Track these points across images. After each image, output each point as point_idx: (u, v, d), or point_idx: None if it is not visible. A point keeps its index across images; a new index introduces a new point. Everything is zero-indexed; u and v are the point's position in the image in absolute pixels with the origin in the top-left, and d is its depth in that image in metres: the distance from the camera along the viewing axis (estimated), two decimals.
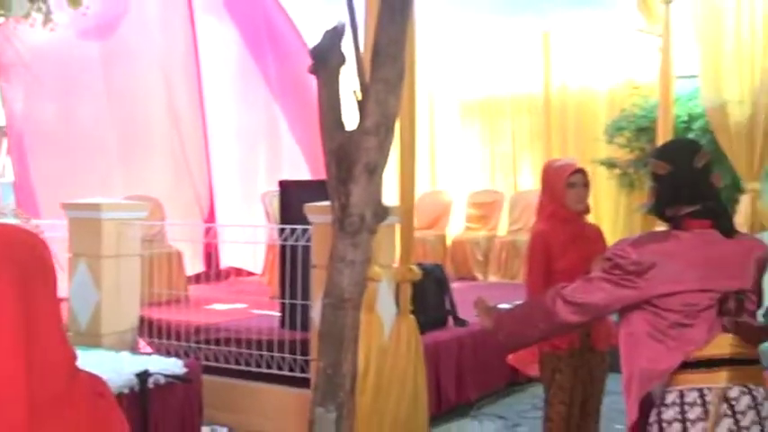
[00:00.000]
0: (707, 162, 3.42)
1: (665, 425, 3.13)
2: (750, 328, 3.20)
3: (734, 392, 3.07)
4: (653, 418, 3.16)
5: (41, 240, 1.90)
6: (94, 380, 1.93)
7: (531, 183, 11.63)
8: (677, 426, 3.09)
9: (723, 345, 3.12)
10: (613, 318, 4.38)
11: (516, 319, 3.79)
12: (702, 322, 3.11)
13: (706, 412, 3.06)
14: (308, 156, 11.46)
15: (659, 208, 3.43)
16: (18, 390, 1.72)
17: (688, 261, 3.18)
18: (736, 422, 3.06)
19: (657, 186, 3.45)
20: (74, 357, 1.88)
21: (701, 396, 3.08)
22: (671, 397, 3.12)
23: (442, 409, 7.08)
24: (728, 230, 3.27)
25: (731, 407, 3.06)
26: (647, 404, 3.20)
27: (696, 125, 9.61)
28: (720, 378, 3.10)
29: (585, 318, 3.49)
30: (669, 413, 3.12)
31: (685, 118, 9.72)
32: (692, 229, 3.27)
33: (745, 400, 3.08)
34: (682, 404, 3.09)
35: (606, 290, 3.29)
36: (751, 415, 3.07)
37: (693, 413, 3.08)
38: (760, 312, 3.34)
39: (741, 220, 9.05)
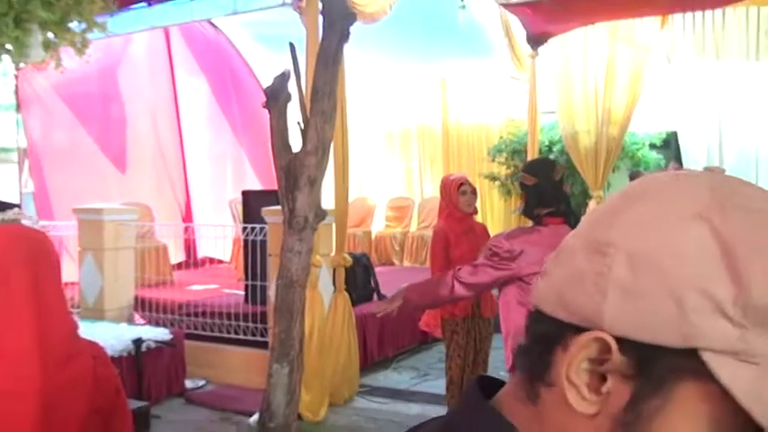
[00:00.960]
0: (562, 175, 3.62)
1: None
2: None
3: None
4: None
5: (47, 236, 1.92)
6: (92, 345, 1.93)
7: (434, 191, 11.69)
8: None
9: None
10: (495, 292, 4.58)
11: (425, 289, 4.00)
12: None
13: None
14: (259, 172, 11.43)
15: (527, 209, 3.62)
16: (31, 351, 1.72)
17: (546, 248, 3.14)
18: None
19: (525, 193, 3.67)
20: (75, 326, 1.87)
21: None
22: None
23: (369, 362, 7.09)
24: (575, 225, 3.30)
25: None
26: None
27: (556, 148, 9.76)
28: None
29: (474, 292, 3.78)
30: None
31: (547, 143, 9.86)
32: (549, 225, 3.47)
33: None
34: None
35: (488, 273, 3.48)
36: None
37: None
38: None
39: None
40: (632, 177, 7.07)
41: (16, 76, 8.56)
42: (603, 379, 0.59)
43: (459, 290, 3.55)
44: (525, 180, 3.69)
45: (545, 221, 3.51)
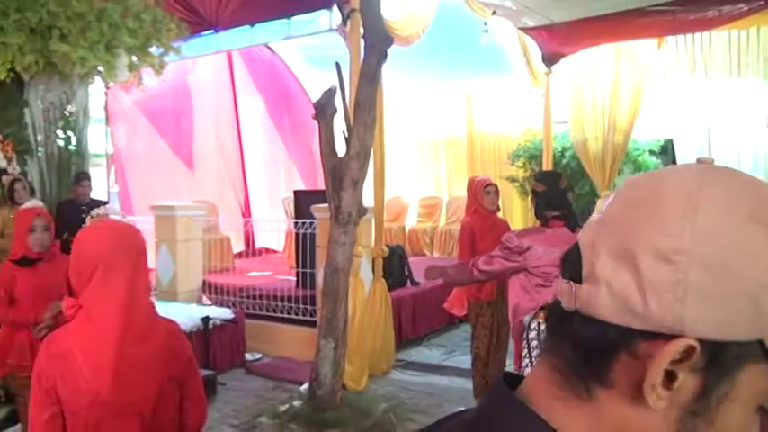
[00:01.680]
0: (566, 185, 3.82)
1: (530, 340, 3.44)
2: None
3: None
4: (525, 336, 3.48)
5: (138, 231, 1.94)
6: (168, 322, 1.97)
7: (460, 191, 11.66)
8: (534, 342, 3.41)
9: None
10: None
11: (454, 273, 4.20)
12: (554, 284, 3.40)
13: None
14: (305, 174, 11.50)
15: (537, 212, 3.82)
16: (114, 326, 1.78)
17: (548, 246, 3.55)
18: None
19: (536, 198, 3.85)
20: (153, 308, 1.91)
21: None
22: (533, 325, 3.44)
23: (403, 340, 7.09)
24: (574, 227, 3.63)
25: None
26: (523, 329, 3.56)
27: (568, 154, 9.67)
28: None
29: (488, 278, 4.00)
30: (532, 334, 3.45)
31: (560, 149, 9.78)
32: (553, 227, 3.68)
33: None
34: (538, 329, 3.41)
35: (500, 263, 3.70)
36: None
37: (543, 335, 3.30)
38: None
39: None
40: None
41: (106, 94, 8.69)
42: (674, 375, 0.57)
43: (476, 274, 3.80)
44: (536, 187, 3.88)
45: (550, 223, 3.71)
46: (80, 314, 1.81)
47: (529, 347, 3.49)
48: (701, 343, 0.56)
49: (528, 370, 3.21)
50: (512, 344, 5.25)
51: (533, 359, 3.46)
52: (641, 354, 0.58)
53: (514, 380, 0.69)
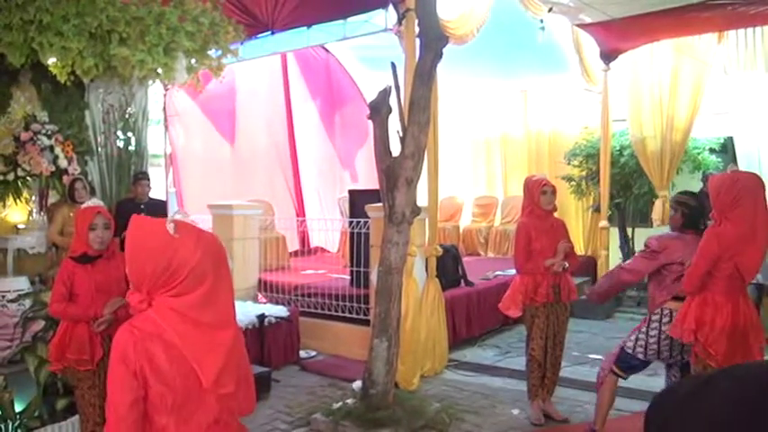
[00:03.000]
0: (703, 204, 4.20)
1: (651, 323, 4.10)
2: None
3: None
4: (647, 320, 4.15)
5: (218, 238, 2.12)
6: None
7: (515, 191, 11.54)
8: (655, 324, 4.07)
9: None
10: (575, 280, 4.76)
11: (603, 284, 4.70)
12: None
13: (671, 320, 3.92)
14: (358, 173, 11.58)
15: (688, 222, 4.20)
16: (231, 310, 2.03)
17: (681, 248, 4.05)
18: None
19: (687, 211, 4.19)
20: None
21: (670, 312, 3.99)
22: (657, 311, 4.10)
23: (457, 341, 7.03)
24: (700, 233, 3.88)
25: None
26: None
27: (626, 152, 9.47)
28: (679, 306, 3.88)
29: (636, 278, 4.41)
30: (654, 317, 4.10)
31: (618, 148, 9.58)
32: (686, 232, 4.16)
33: None
34: (661, 314, 4.07)
35: (644, 262, 4.24)
36: None
37: (665, 320, 4.02)
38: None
39: (656, 215, 8.95)
40: (706, 179, 6.95)
41: (164, 95, 8.86)
42: None
43: (626, 276, 4.42)
44: (688, 201, 4.23)
45: (685, 231, 4.18)
46: (162, 308, 1.88)
47: (648, 328, 4.09)
48: None
49: (639, 347, 4.10)
50: (568, 344, 5.17)
51: (651, 338, 4.07)
52: None
53: None
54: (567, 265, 4.99)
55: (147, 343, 1.85)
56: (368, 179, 11.00)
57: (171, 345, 1.85)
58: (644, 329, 4.12)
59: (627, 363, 4.23)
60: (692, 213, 4.18)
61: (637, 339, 4.15)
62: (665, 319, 4.01)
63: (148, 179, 7.38)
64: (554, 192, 5.13)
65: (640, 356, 4.15)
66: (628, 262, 4.43)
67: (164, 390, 1.84)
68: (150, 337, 1.85)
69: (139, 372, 1.83)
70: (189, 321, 1.87)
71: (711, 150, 9.26)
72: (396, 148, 4.94)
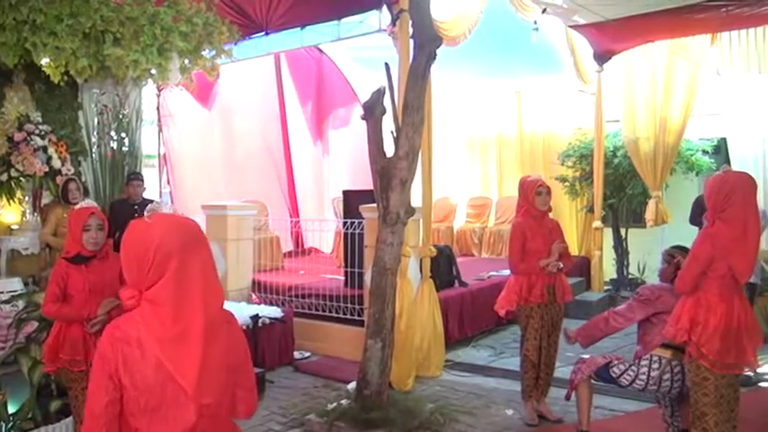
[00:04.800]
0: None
1: (641, 367, 4.18)
2: None
3: (674, 363, 4.10)
4: (637, 362, 4.21)
5: (198, 224, 2.00)
6: (227, 313, 1.99)
7: (510, 191, 11.56)
8: (644, 369, 4.15)
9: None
10: (569, 281, 5.03)
11: (592, 329, 4.54)
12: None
13: (659, 367, 4.10)
14: (352, 173, 11.52)
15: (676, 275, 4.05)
16: (198, 311, 1.85)
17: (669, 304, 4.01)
18: (671, 376, 4.09)
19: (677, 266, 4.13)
20: (223, 296, 1.97)
21: (659, 359, 4.12)
22: (646, 356, 4.19)
23: (451, 341, 7.02)
24: None
25: (671, 369, 4.10)
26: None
27: (619, 153, 9.50)
28: (668, 354, 4.10)
29: (627, 324, 4.36)
30: (644, 362, 4.18)
31: (612, 148, 9.60)
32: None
33: (678, 368, 4.08)
34: (650, 360, 4.16)
35: (638, 308, 4.28)
36: (678, 375, 4.08)
37: (654, 365, 4.13)
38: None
39: (650, 216, 8.97)
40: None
41: (158, 96, 8.84)
42: None
43: (615, 322, 4.38)
44: (683, 256, 4.08)
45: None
46: (145, 305, 1.85)
47: (638, 370, 4.17)
48: None
49: (626, 380, 4.20)
50: (562, 345, 5.18)
51: (639, 380, 4.16)
52: None
53: None
54: (562, 265, 5.01)
55: (125, 345, 1.83)
56: (362, 180, 11.01)
57: (148, 348, 1.81)
58: (634, 368, 4.21)
59: (607, 380, 4.34)
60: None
61: (624, 372, 4.23)
62: (654, 365, 4.14)
63: (142, 179, 7.36)
64: (549, 192, 5.14)
65: (622, 384, 4.27)
66: (620, 307, 4.42)
67: (137, 393, 1.82)
68: (128, 339, 1.83)
69: (114, 373, 1.82)
70: (166, 316, 1.81)
71: (704, 152, 9.29)
72: (390, 149, 4.95)
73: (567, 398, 4.57)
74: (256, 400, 2.08)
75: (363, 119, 5.07)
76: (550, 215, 5.26)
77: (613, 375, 4.26)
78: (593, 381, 4.39)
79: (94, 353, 3.65)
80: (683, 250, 4.16)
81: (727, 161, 9.11)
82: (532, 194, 5.06)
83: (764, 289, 7.66)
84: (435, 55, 5.02)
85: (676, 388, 4.14)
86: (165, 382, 1.81)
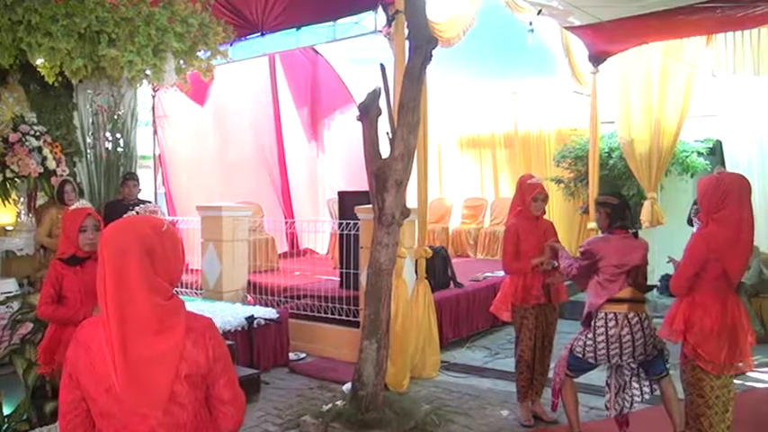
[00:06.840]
0: (628, 200, 4.41)
1: (597, 329, 4.19)
2: (640, 283, 4.23)
3: (631, 315, 4.14)
4: (592, 325, 4.24)
5: (158, 224, 1.91)
6: (193, 319, 1.91)
7: (505, 192, 11.59)
8: (601, 329, 4.17)
9: (627, 292, 4.17)
10: (565, 283, 5.15)
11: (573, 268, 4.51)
12: (619, 280, 4.16)
13: (616, 324, 4.13)
14: (345, 176, 11.57)
15: (610, 222, 4.35)
16: (143, 298, 1.80)
17: (614, 250, 4.20)
18: (631, 330, 4.12)
19: (610, 211, 4.34)
20: (175, 303, 1.88)
21: (615, 316, 4.15)
22: (600, 315, 4.20)
23: (446, 342, 7.04)
24: (635, 235, 4.31)
25: (629, 322, 4.12)
26: (590, 318, 4.28)
27: (614, 155, 9.50)
28: (624, 308, 4.15)
29: (575, 269, 4.42)
30: (599, 323, 4.19)
31: (607, 150, 9.61)
32: (617, 234, 4.29)
33: (636, 319, 4.13)
34: (605, 319, 4.17)
35: (581, 260, 4.34)
36: (638, 326, 4.12)
37: (610, 324, 4.15)
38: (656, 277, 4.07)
39: (645, 217, 8.98)
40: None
41: (153, 97, 8.83)
42: None
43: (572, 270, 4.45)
44: (610, 200, 4.37)
45: (615, 231, 4.30)
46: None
47: (595, 334, 4.19)
48: None
49: (589, 352, 4.21)
50: (557, 346, 5.19)
51: (600, 343, 4.16)
52: None
53: None
54: (556, 263, 5.02)
55: (80, 348, 1.82)
56: (357, 181, 11.01)
57: (95, 353, 1.79)
58: (590, 335, 4.21)
59: (577, 366, 4.36)
60: (615, 212, 4.31)
61: (585, 345, 4.26)
62: (611, 323, 4.14)
63: (137, 180, 7.36)
64: (545, 199, 5.17)
65: (591, 361, 4.28)
66: (577, 263, 4.45)
67: (87, 396, 1.82)
68: (83, 343, 1.82)
69: (73, 372, 1.83)
70: (113, 321, 1.76)
71: (699, 153, 9.31)
72: (385, 150, 4.96)
73: (554, 408, 4.60)
74: (238, 416, 1.99)
75: (359, 120, 5.07)
76: (545, 216, 5.27)
77: (579, 356, 4.29)
78: (571, 377, 4.41)
79: None
80: (611, 195, 4.47)
81: (722, 163, 9.14)
82: (529, 199, 5.07)
83: (760, 290, 7.70)
84: (431, 56, 5.03)
85: (639, 346, 4.11)
86: (111, 389, 1.77)
